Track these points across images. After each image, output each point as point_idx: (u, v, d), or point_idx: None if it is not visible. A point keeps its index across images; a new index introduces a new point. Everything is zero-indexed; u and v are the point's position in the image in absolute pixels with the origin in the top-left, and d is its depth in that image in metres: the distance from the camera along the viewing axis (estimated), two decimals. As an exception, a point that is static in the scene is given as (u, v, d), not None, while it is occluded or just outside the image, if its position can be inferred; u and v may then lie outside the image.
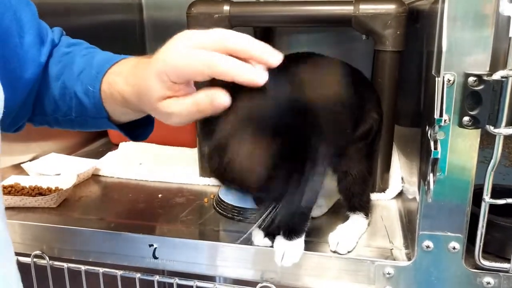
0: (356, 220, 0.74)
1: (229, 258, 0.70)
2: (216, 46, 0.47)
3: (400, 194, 0.85)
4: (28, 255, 0.78)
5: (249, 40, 0.48)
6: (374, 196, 0.84)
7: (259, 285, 0.69)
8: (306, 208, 0.66)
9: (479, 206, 0.60)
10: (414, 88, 0.89)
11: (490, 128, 0.55)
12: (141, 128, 0.67)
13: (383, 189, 0.85)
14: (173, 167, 1.00)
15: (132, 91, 0.55)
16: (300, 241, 0.67)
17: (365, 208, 0.74)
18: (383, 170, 0.85)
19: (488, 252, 0.63)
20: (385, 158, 0.85)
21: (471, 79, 0.54)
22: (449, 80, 0.54)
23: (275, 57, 0.48)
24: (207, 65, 0.46)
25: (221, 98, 0.47)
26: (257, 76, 0.46)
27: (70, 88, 0.61)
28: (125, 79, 0.56)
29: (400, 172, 0.88)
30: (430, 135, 0.56)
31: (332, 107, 0.61)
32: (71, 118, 0.63)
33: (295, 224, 0.66)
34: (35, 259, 0.78)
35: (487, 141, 0.61)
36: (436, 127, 0.55)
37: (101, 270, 0.77)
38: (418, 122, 0.72)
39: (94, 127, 0.64)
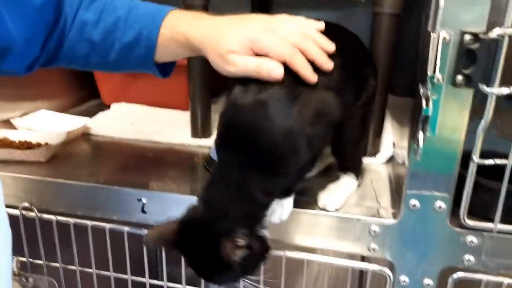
0: (346, 180, 0.74)
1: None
2: (299, 44, 0.60)
3: (391, 160, 0.86)
4: (16, 207, 0.78)
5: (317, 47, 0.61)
6: (365, 160, 0.85)
7: (247, 240, 0.70)
8: (301, 173, 0.66)
9: (466, 169, 0.60)
10: (410, 58, 0.89)
11: (483, 87, 0.55)
12: (171, 66, 0.74)
13: (374, 154, 0.86)
14: (165, 128, 1.00)
15: (200, 36, 0.63)
16: (289, 200, 0.67)
17: (356, 169, 0.75)
18: (375, 135, 0.86)
19: (473, 214, 0.64)
20: (378, 123, 0.86)
21: (467, 37, 0.54)
22: (444, 38, 0.54)
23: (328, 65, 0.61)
24: (289, 56, 0.58)
25: (278, 72, 0.58)
26: (310, 76, 0.59)
27: (115, 33, 0.66)
28: (190, 25, 0.64)
29: (392, 138, 0.88)
30: (423, 92, 0.56)
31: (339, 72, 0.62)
32: (108, 60, 0.69)
33: (285, 188, 0.66)
34: (23, 211, 0.78)
35: (479, 112, 0.61)
36: (429, 84, 0.55)
37: (89, 223, 0.77)
38: (412, 92, 0.73)
39: (132, 68, 0.71)
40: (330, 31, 0.65)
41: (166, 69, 0.73)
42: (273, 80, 0.58)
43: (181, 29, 0.65)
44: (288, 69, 0.58)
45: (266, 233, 0.60)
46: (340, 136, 0.70)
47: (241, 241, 0.54)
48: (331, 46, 0.62)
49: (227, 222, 0.55)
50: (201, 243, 0.56)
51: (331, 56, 0.62)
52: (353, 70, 0.67)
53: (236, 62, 0.60)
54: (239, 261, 0.54)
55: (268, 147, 0.55)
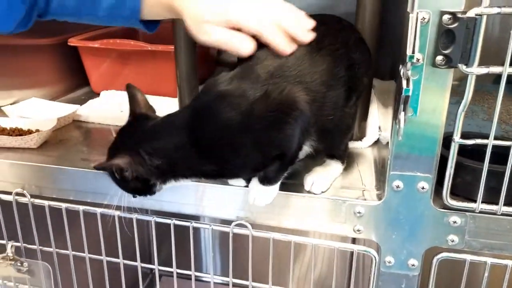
0: (332, 164, 0.75)
1: (205, 197, 0.72)
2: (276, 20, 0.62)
3: (377, 143, 0.86)
4: (10, 193, 0.79)
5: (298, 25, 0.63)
6: (350, 144, 0.86)
7: (234, 223, 0.71)
8: (285, 167, 0.67)
9: (449, 150, 0.61)
10: (395, 40, 0.89)
11: (463, 67, 0.55)
12: (156, 23, 0.76)
13: (360, 138, 0.86)
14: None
15: (181, 2, 0.65)
16: (274, 186, 0.67)
17: (342, 156, 0.75)
18: (361, 119, 0.86)
19: (456, 194, 0.65)
20: (363, 107, 0.86)
21: (445, 17, 0.54)
22: (423, 18, 0.54)
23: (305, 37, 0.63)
24: (266, 35, 0.61)
25: (247, 46, 0.62)
26: (283, 47, 0.62)
27: None
28: None
29: (378, 121, 0.89)
30: (403, 73, 0.57)
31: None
32: (97, 16, 0.71)
33: (271, 174, 0.66)
34: (16, 197, 0.79)
35: (460, 96, 0.61)
36: (409, 64, 0.55)
37: (81, 208, 0.78)
38: (396, 76, 0.73)
39: (122, 24, 0.75)
40: (321, 25, 0.65)
41: (151, 25, 0.76)
42: (243, 55, 0.62)
43: None
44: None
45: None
46: (327, 127, 0.69)
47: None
48: (308, 22, 0.62)
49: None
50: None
51: (320, 51, 0.63)
52: (342, 70, 0.65)
53: (210, 32, 0.63)
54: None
55: (216, 140, 0.60)
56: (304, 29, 0.63)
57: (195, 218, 0.78)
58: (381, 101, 0.91)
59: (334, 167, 0.75)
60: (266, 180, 0.66)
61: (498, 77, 0.56)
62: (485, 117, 0.96)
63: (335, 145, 0.74)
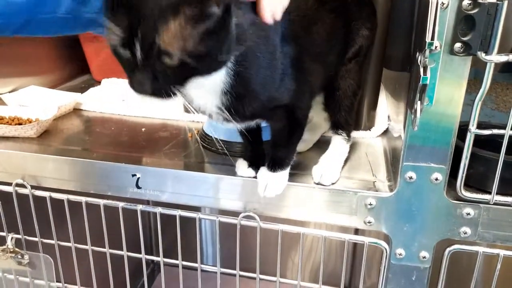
0: (338, 144, 0.73)
1: (213, 188, 0.70)
2: None
3: (386, 133, 0.85)
4: (9, 184, 0.77)
5: None
6: (359, 134, 0.84)
7: (242, 214, 0.70)
8: (294, 140, 0.66)
9: (463, 141, 0.60)
10: (404, 30, 0.87)
11: (482, 55, 0.54)
12: None
13: (368, 127, 0.85)
14: (157, 103, 0.98)
15: None
16: (284, 173, 0.66)
17: (349, 126, 0.73)
18: (370, 108, 0.85)
19: (470, 186, 0.64)
20: (372, 97, 0.85)
21: (465, 2, 0.52)
22: (442, 3, 0.52)
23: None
24: None
25: None
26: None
27: None
28: None
29: (387, 111, 0.87)
30: (420, 60, 0.55)
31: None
32: (56, 16, 0.60)
33: (281, 156, 0.65)
34: (16, 188, 0.77)
35: (475, 85, 0.60)
36: (427, 52, 0.53)
37: (83, 199, 0.76)
38: (407, 66, 0.71)
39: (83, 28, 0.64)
40: None
41: None
42: None
43: None
44: None
45: None
46: (333, 88, 0.70)
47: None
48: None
49: None
50: None
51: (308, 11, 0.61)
52: (333, 26, 0.65)
53: None
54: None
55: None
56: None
57: (192, 208, 0.76)
58: (389, 92, 0.89)
59: (340, 147, 0.73)
60: (275, 163, 0.65)
61: (504, 66, 0.55)
62: (493, 106, 0.94)
63: (340, 110, 0.72)
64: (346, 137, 0.73)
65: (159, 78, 0.46)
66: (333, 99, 0.71)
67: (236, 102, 0.55)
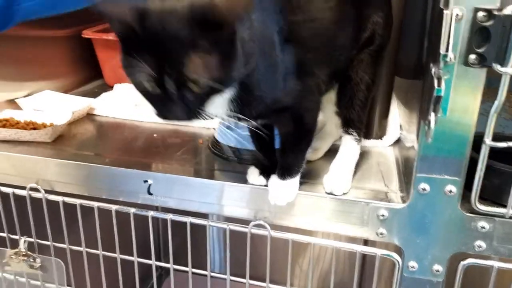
0: (348, 145, 0.72)
1: (223, 196, 0.70)
2: None
3: (398, 142, 0.84)
4: (24, 188, 0.78)
5: None
6: (370, 143, 0.84)
7: (252, 223, 0.69)
8: (303, 146, 0.66)
9: (478, 153, 0.59)
10: (416, 38, 0.87)
11: (497, 67, 0.53)
12: None
13: (380, 136, 0.84)
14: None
15: None
16: (295, 181, 0.66)
17: (361, 124, 0.72)
18: (381, 117, 0.84)
19: (484, 198, 0.63)
20: (384, 105, 0.84)
21: (480, 14, 0.51)
22: (457, 15, 0.52)
23: None
24: None
25: None
26: None
27: None
28: None
29: (399, 120, 0.86)
30: (434, 72, 0.54)
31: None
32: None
33: (291, 163, 0.65)
34: (30, 192, 0.78)
35: (487, 95, 0.59)
36: (441, 63, 0.53)
37: (96, 204, 0.77)
38: (419, 75, 0.70)
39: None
40: None
41: None
42: None
43: None
44: None
45: None
46: (345, 81, 0.69)
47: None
48: None
49: None
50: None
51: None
52: (343, 12, 0.64)
53: None
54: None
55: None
56: None
57: (200, 215, 0.76)
58: (401, 99, 0.88)
59: (351, 150, 0.72)
60: (285, 170, 0.65)
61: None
62: (507, 116, 0.93)
63: (352, 105, 0.70)
64: (357, 137, 0.72)
65: (189, 105, 0.51)
66: (345, 92, 0.70)
67: (243, 107, 0.57)
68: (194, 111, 0.52)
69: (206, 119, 0.53)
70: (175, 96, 0.49)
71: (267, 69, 0.56)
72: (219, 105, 0.56)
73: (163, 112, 0.52)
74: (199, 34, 0.47)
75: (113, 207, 0.76)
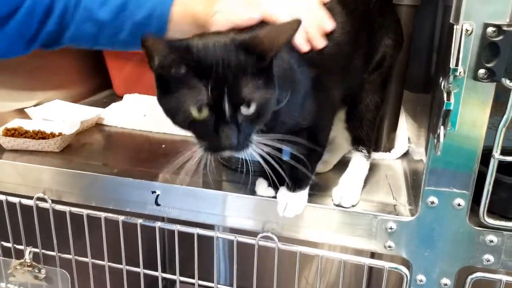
0: (358, 162, 0.73)
1: (231, 207, 0.70)
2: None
3: (406, 155, 0.84)
4: (30, 198, 0.78)
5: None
6: (379, 155, 0.84)
7: (260, 235, 0.69)
8: (314, 161, 0.66)
9: (486, 167, 0.59)
10: (424, 53, 0.88)
11: (506, 82, 0.53)
12: None
13: (388, 149, 0.84)
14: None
15: (208, 12, 0.64)
16: (304, 193, 0.66)
17: (370, 142, 0.73)
18: (390, 130, 0.84)
19: (492, 212, 0.63)
20: (392, 118, 0.84)
21: (490, 29, 0.52)
22: (467, 30, 0.53)
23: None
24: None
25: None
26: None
27: (125, 12, 0.68)
28: (199, 2, 0.66)
29: (407, 133, 0.87)
30: (444, 86, 0.55)
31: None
32: (118, 39, 0.70)
33: (300, 176, 0.65)
34: (37, 202, 0.78)
35: (495, 108, 0.59)
36: (451, 77, 0.53)
37: (103, 214, 0.77)
38: (427, 88, 0.71)
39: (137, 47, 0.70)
40: None
41: None
42: None
43: (191, 7, 0.67)
44: None
45: None
46: (356, 102, 0.71)
47: None
48: (328, 25, 0.63)
49: None
50: None
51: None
52: (357, 37, 0.66)
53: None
54: None
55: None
56: (321, 33, 0.63)
57: (207, 226, 0.76)
58: (409, 113, 0.89)
59: (360, 166, 0.73)
60: (295, 182, 0.65)
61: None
62: (512, 129, 0.93)
63: (362, 125, 0.72)
64: (367, 154, 0.73)
65: (241, 130, 0.52)
66: (355, 113, 0.71)
67: (266, 131, 0.58)
68: (243, 139, 0.53)
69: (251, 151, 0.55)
70: (229, 118, 0.51)
71: (291, 96, 0.58)
72: None
73: (215, 140, 0.53)
74: (247, 61, 0.51)
75: (120, 218, 0.76)
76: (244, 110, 0.51)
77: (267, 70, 0.53)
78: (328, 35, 0.63)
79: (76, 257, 0.82)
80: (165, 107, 0.54)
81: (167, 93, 0.52)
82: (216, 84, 0.50)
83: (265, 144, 0.56)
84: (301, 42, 0.61)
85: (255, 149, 0.56)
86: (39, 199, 0.78)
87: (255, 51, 0.51)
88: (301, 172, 0.65)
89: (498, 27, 0.52)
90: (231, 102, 0.50)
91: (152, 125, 0.96)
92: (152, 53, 0.51)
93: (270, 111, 0.55)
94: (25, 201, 0.79)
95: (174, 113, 0.53)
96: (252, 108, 0.52)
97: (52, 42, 0.72)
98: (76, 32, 0.70)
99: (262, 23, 0.60)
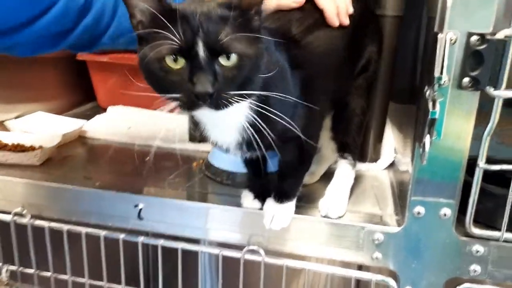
0: (344, 170, 0.72)
1: (216, 220, 0.69)
2: None
3: (392, 166, 0.84)
4: (8, 213, 0.76)
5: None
6: (365, 166, 0.84)
7: (246, 248, 0.68)
8: (302, 171, 0.65)
9: (472, 176, 0.59)
10: (409, 63, 0.88)
11: (490, 90, 0.54)
12: None
13: (375, 160, 0.84)
14: (162, 132, 0.98)
15: None
16: (291, 205, 0.65)
17: (355, 148, 0.73)
18: (376, 141, 0.84)
19: (478, 222, 0.62)
20: (378, 129, 0.84)
21: (474, 38, 0.53)
22: (451, 39, 0.53)
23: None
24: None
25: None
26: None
27: None
28: None
29: (393, 144, 0.87)
30: (429, 95, 0.55)
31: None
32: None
33: (289, 187, 0.65)
34: (15, 217, 0.75)
35: (478, 120, 0.60)
36: (436, 86, 0.54)
37: (83, 230, 0.74)
38: (412, 99, 0.71)
39: None
40: None
41: None
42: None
43: None
44: None
45: None
46: (342, 107, 0.71)
47: None
48: (351, 9, 0.68)
49: None
50: None
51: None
52: (346, 41, 0.68)
53: None
54: None
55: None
56: (348, 12, 0.67)
57: (191, 240, 0.74)
58: (395, 124, 0.89)
59: (346, 174, 0.72)
60: (282, 194, 0.64)
61: (507, 100, 0.55)
62: (498, 140, 0.94)
63: (348, 130, 0.72)
64: (352, 161, 0.73)
65: (218, 79, 0.49)
66: (342, 118, 0.72)
67: (254, 137, 0.56)
68: (221, 93, 0.49)
69: (232, 104, 0.51)
70: (204, 64, 0.48)
71: (283, 92, 0.56)
72: (232, 131, 0.57)
73: (190, 97, 0.49)
74: (228, 14, 0.49)
75: (102, 233, 0.74)
76: (223, 61, 0.49)
77: (254, 28, 0.52)
78: (322, 37, 0.64)
79: (55, 274, 0.79)
80: (142, 60, 0.51)
81: (146, 45, 0.50)
82: (192, 28, 0.48)
83: (251, 108, 0.54)
84: (333, 16, 0.65)
85: (240, 111, 0.54)
86: (16, 214, 0.75)
87: (237, 5, 0.50)
88: (289, 183, 0.65)
89: (482, 36, 0.52)
90: (207, 47, 0.48)
91: (136, 137, 0.95)
92: (132, 9, 0.50)
93: (254, 73, 0.52)
94: (2, 216, 0.77)
95: (151, 66, 0.50)
96: (232, 60, 0.49)
97: (88, 43, 0.71)
98: (117, 31, 0.70)
99: None
